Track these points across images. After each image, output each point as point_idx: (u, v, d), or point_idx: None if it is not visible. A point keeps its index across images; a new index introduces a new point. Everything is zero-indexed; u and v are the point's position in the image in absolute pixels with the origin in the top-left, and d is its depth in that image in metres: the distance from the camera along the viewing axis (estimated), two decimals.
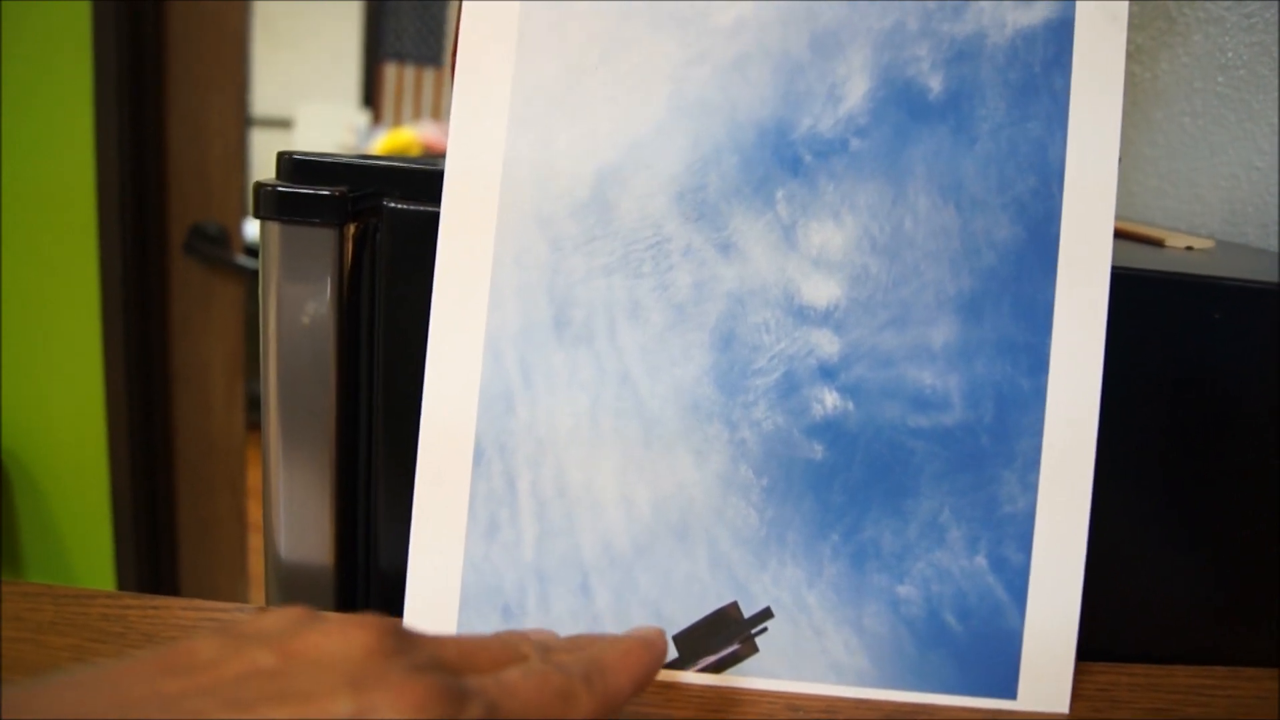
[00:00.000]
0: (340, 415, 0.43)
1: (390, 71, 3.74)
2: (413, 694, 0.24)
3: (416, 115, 3.72)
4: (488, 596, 0.40)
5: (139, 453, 1.41)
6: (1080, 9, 0.41)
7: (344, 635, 0.26)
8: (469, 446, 0.40)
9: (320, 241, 0.40)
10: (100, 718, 0.23)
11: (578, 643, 0.33)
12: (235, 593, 1.56)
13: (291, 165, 0.41)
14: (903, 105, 0.40)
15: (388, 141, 2.99)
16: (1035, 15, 0.41)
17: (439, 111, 3.69)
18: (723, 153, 0.40)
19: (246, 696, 0.24)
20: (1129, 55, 0.82)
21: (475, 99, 0.40)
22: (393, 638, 0.26)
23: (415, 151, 2.81)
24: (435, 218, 0.40)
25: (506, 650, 0.30)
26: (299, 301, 0.41)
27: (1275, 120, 0.67)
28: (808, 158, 0.40)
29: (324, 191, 0.40)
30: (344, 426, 0.43)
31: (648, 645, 0.32)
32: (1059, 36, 0.41)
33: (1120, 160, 0.42)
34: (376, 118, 3.69)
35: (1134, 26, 0.81)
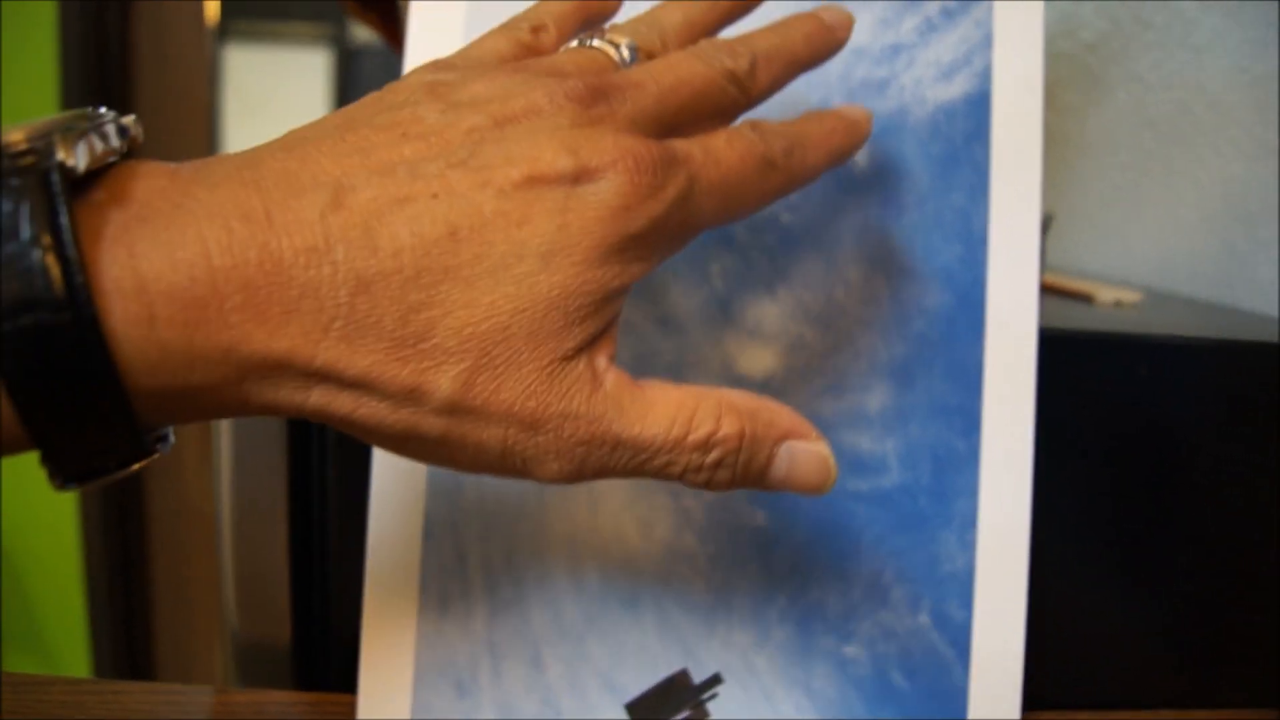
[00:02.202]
0: (293, 490, 0.43)
1: None
2: (624, 168, 0.27)
3: None
4: (441, 670, 0.40)
5: (112, 520, 1.40)
6: (997, 83, 0.43)
7: (551, 98, 0.28)
8: (419, 523, 0.41)
9: None
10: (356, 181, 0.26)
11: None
12: (210, 656, 1.55)
13: None
14: (831, 179, 0.42)
15: None
16: (955, 91, 0.42)
17: None
18: None
19: (477, 162, 0.26)
20: (1058, 113, 0.85)
21: None
22: (598, 91, 0.28)
23: None
24: None
25: (712, 101, 0.31)
26: None
27: (1199, 175, 0.70)
28: (741, 233, 0.42)
29: None
30: (297, 500, 0.44)
31: (852, 127, 0.35)
32: (977, 110, 0.42)
33: (1050, 218, 0.44)
34: None
35: (1062, 86, 0.84)
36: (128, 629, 1.45)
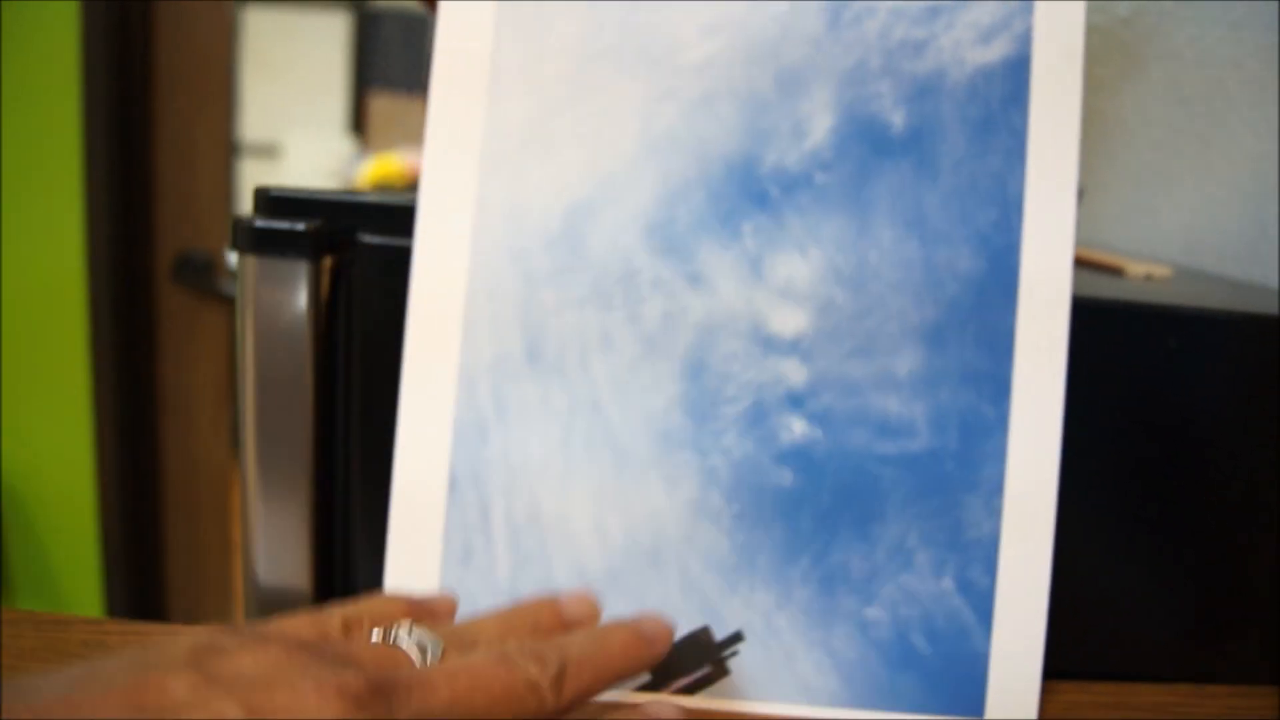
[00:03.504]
0: (317, 445, 0.43)
1: (377, 99, 3.76)
2: None
3: (404, 142, 3.74)
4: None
5: (127, 477, 1.41)
6: (1037, 48, 0.42)
7: (320, 691, 0.25)
8: (443, 476, 0.41)
9: (296, 275, 0.41)
10: None
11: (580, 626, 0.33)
12: (221, 614, 1.56)
13: (269, 201, 0.42)
14: (866, 141, 0.41)
15: (375, 168, 3.00)
16: (994, 54, 0.42)
17: None
18: (691, 187, 0.41)
19: None
20: (1092, 89, 0.84)
21: (447, 137, 0.41)
22: (379, 689, 0.26)
23: (402, 177, 2.82)
24: (409, 251, 0.40)
25: (510, 708, 0.29)
26: (275, 334, 0.42)
27: (1232, 152, 0.69)
28: (774, 192, 0.41)
29: (299, 227, 0.41)
30: (321, 456, 0.44)
31: (647, 646, 0.32)
32: (1016, 74, 0.42)
33: (1083, 191, 0.43)
34: (364, 145, 3.71)
35: (1096, 61, 0.83)
36: (140, 580, 1.46)
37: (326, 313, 0.43)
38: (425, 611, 0.33)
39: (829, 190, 0.41)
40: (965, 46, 0.42)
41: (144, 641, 0.27)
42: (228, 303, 1.43)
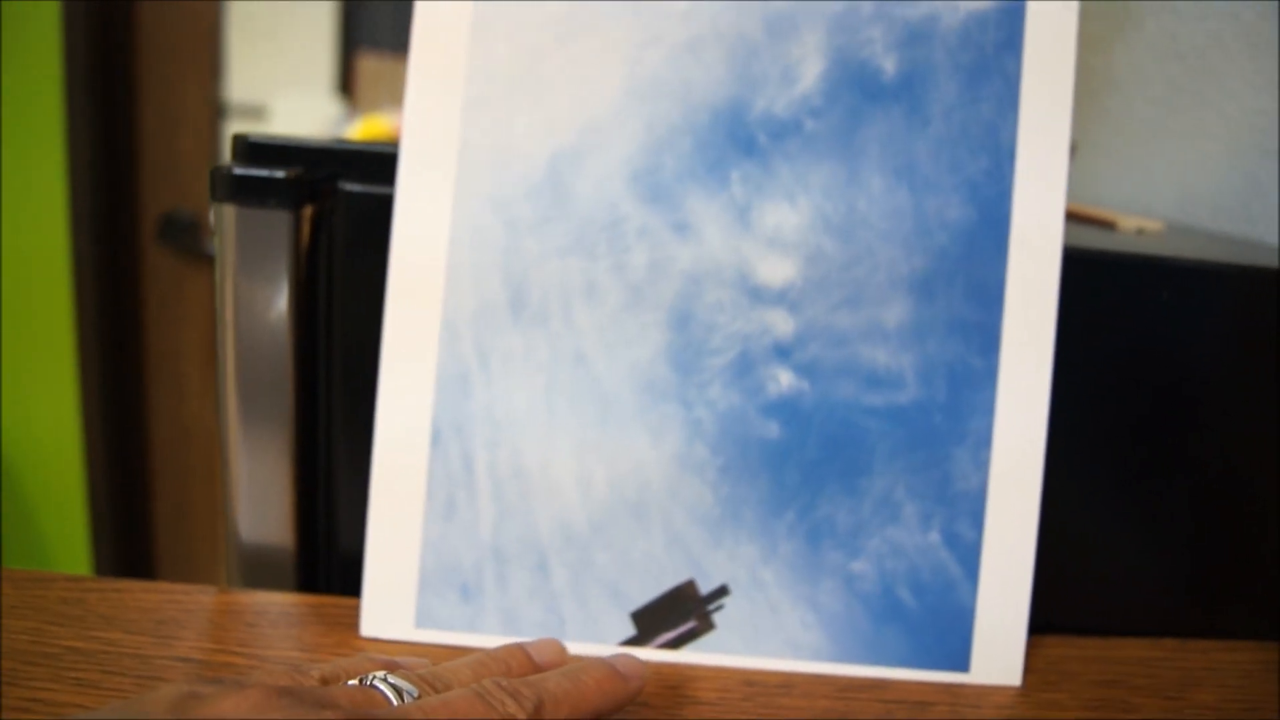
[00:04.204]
0: (298, 398, 0.43)
1: (366, 60, 3.72)
2: None
3: (393, 103, 3.70)
4: (445, 576, 0.40)
5: (114, 439, 1.41)
6: None
7: None
8: (426, 428, 0.40)
9: (276, 224, 0.40)
10: None
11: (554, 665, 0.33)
12: (211, 577, 1.56)
13: (248, 148, 0.42)
14: (856, 87, 0.41)
15: (363, 129, 2.97)
16: None
17: None
18: (677, 134, 0.40)
19: None
20: (1085, 44, 0.83)
21: (429, 82, 0.40)
22: None
23: (390, 138, 2.80)
24: (390, 199, 0.40)
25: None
26: (255, 285, 0.41)
27: (1226, 108, 0.68)
28: (762, 139, 0.40)
29: (278, 174, 0.40)
30: (302, 409, 0.43)
31: (621, 684, 0.33)
32: (1011, 19, 0.41)
33: (1076, 146, 0.42)
34: (352, 105, 3.67)
35: (1090, 16, 0.82)
36: (128, 541, 1.46)
37: (307, 262, 0.42)
38: (400, 665, 0.33)
39: (818, 137, 0.40)
40: None
41: (126, 700, 0.27)
42: (214, 263, 1.42)
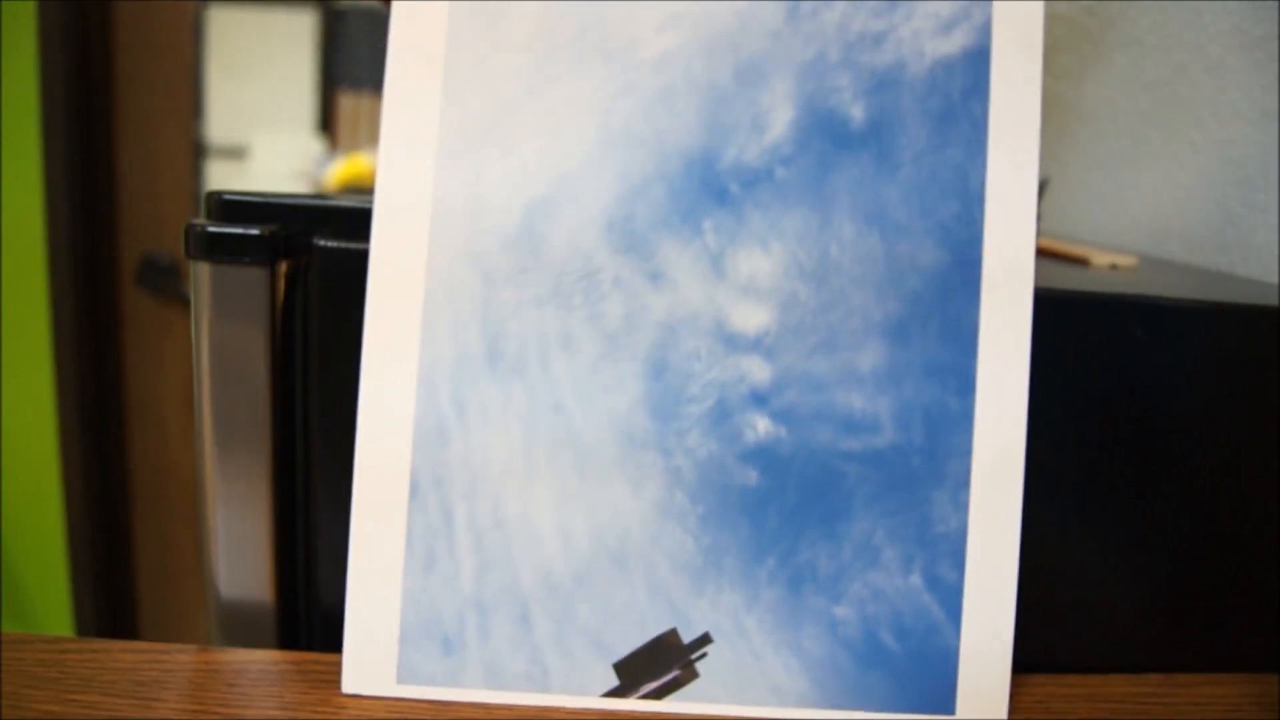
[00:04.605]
0: (276, 452, 0.43)
1: (346, 98, 3.73)
2: None
3: (373, 142, 3.71)
4: (427, 629, 0.40)
5: (94, 485, 1.39)
6: (996, 39, 0.42)
7: None
8: (404, 480, 0.40)
9: (251, 280, 0.41)
10: None
11: None
12: (193, 622, 1.54)
13: (222, 205, 0.42)
14: (826, 134, 0.41)
15: (344, 169, 2.98)
16: (953, 45, 0.42)
17: None
18: (650, 183, 0.41)
19: None
20: (1056, 76, 0.84)
21: (402, 135, 0.40)
22: None
23: (371, 177, 2.80)
24: (366, 255, 0.40)
25: None
26: (232, 340, 0.41)
27: (1196, 139, 0.69)
28: (734, 187, 0.41)
29: (253, 231, 0.40)
30: (280, 463, 0.43)
31: None
32: (976, 65, 0.42)
33: (1046, 183, 0.43)
34: (333, 145, 3.68)
35: (1059, 49, 0.83)
36: (109, 592, 1.44)
37: (284, 317, 0.42)
38: None
39: (789, 184, 0.41)
40: (925, 38, 0.42)
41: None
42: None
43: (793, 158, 0.41)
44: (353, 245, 0.41)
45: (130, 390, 1.44)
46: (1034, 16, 0.42)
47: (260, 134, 3.57)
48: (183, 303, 1.41)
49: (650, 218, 0.40)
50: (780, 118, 0.41)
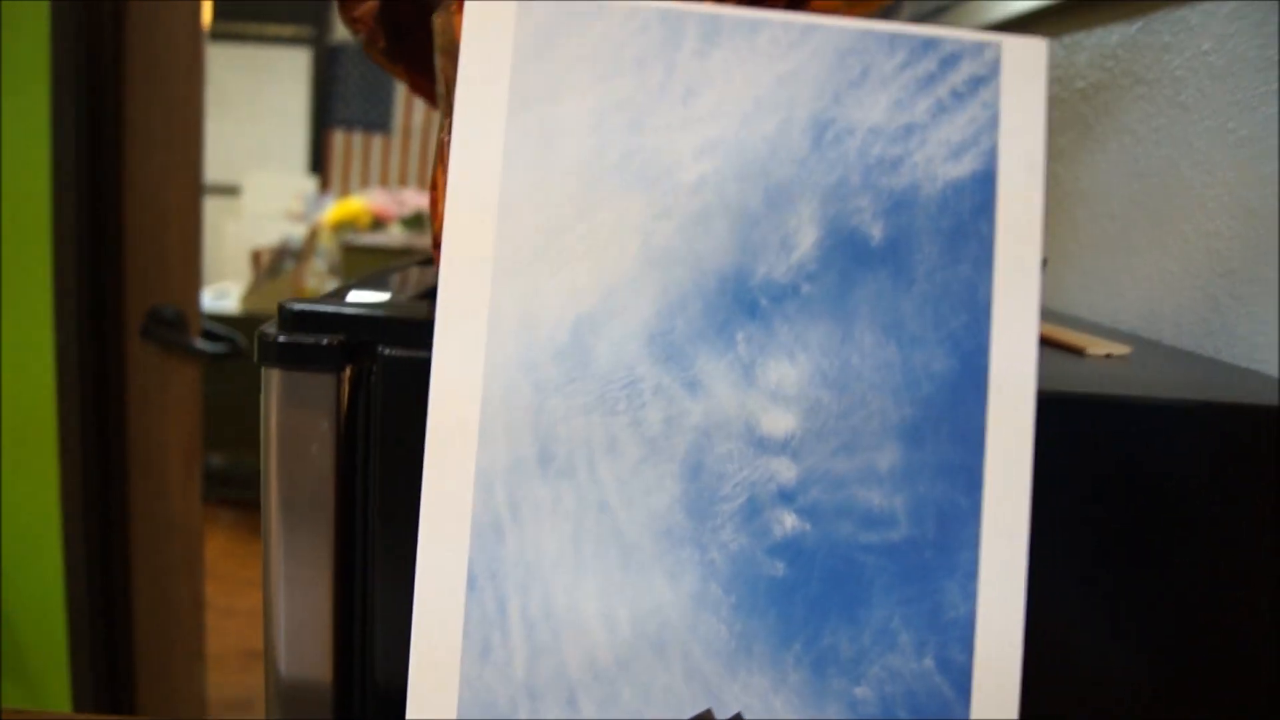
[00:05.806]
0: (339, 545, 0.46)
1: (338, 138, 3.76)
2: None
3: (364, 182, 3.75)
4: (482, 712, 0.43)
5: (94, 537, 1.40)
6: (1003, 162, 0.46)
7: None
8: (462, 574, 0.43)
9: (319, 386, 0.44)
10: None
11: None
12: (191, 673, 1.55)
13: (291, 315, 0.45)
14: (848, 252, 0.45)
15: (337, 210, 3.01)
16: (964, 169, 0.46)
17: (387, 178, 3.73)
18: (688, 299, 0.44)
19: None
20: (1053, 156, 0.88)
21: (463, 251, 0.44)
22: None
23: (364, 219, 2.83)
24: (426, 362, 0.43)
25: None
26: (299, 441, 0.44)
27: (1185, 230, 0.73)
28: (764, 302, 0.44)
29: (322, 340, 0.44)
30: (343, 558, 0.46)
31: None
32: (984, 187, 0.46)
33: (1045, 260, 0.47)
34: (324, 185, 3.71)
35: (1055, 130, 0.88)
36: (109, 657, 1.45)
37: (348, 419, 0.45)
38: None
39: (814, 299, 0.45)
40: (937, 162, 0.46)
41: None
42: (198, 359, 1.43)
43: (817, 274, 0.45)
44: (415, 354, 0.44)
45: (132, 439, 1.46)
46: (1037, 141, 0.46)
47: (252, 173, 3.60)
48: (187, 355, 1.43)
49: (688, 331, 0.44)
50: (806, 238, 0.45)
